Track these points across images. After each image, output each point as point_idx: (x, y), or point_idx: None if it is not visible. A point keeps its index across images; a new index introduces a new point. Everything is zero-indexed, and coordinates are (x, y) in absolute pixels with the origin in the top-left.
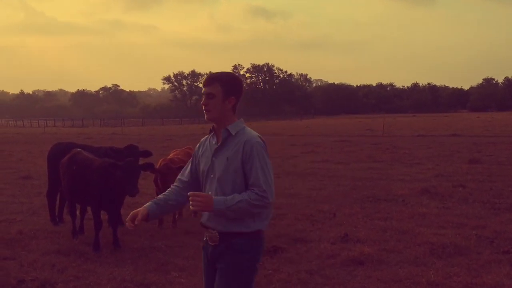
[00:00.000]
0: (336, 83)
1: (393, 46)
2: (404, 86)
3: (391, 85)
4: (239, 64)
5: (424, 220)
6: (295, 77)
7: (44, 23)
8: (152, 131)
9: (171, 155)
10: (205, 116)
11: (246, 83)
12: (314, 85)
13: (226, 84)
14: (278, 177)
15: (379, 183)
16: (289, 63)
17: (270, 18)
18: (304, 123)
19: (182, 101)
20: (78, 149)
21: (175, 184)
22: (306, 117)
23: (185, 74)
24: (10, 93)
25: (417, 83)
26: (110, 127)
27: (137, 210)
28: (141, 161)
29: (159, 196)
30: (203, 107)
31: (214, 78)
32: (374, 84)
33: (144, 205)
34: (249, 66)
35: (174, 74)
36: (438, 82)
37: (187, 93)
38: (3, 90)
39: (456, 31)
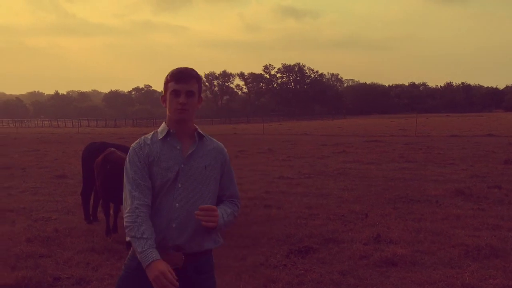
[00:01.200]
0: (367, 82)
1: (426, 45)
2: (437, 86)
3: (423, 84)
4: (270, 64)
5: (459, 222)
6: (326, 76)
7: (76, 25)
8: None
9: None
10: (178, 116)
11: (277, 83)
12: (346, 84)
13: (200, 82)
14: (309, 177)
15: (412, 184)
16: (320, 63)
17: (299, 17)
18: (335, 123)
19: (213, 101)
20: (112, 148)
21: (141, 210)
22: (338, 117)
23: (216, 74)
24: (45, 94)
25: (450, 82)
26: (142, 127)
27: (160, 267)
28: None
29: (146, 234)
30: (180, 106)
31: (192, 75)
32: (407, 84)
33: (152, 256)
34: (280, 66)
35: (205, 74)
36: (472, 81)
37: (218, 93)
38: (38, 91)
39: (491, 29)
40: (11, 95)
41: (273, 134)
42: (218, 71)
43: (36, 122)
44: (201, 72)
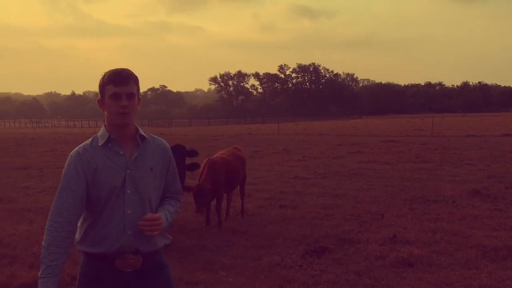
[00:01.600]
0: (383, 82)
1: (442, 45)
2: (453, 85)
3: (440, 84)
4: (285, 64)
5: (476, 222)
6: (342, 76)
7: (92, 26)
8: (199, 131)
9: (217, 155)
10: (120, 121)
11: (292, 83)
12: (361, 84)
13: (137, 83)
14: (325, 177)
15: (428, 184)
16: (335, 63)
17: (314, 17)
18: (351, 123)
19: (228, 102)
20: None
21: (59, 233)
22: (353, 117)
23: (231, 74)
24: (62, 94)
25: (467, 82)
26: (158, 127)
27: None
28: (188, 161)
29: (53, 257)
30: (122, 109)
31: (130, 76)
32: (423, 84)
33: (50, 283)
34: (295, 66)
35: (220, 74)
36: (489, 81)
37: (233, 93)
38: (55, 91)
39: (508, 29)
40: (28, 95)
41: (288, 134)
42: (232, 71)
43: (53, 123)
44: (216, 72)
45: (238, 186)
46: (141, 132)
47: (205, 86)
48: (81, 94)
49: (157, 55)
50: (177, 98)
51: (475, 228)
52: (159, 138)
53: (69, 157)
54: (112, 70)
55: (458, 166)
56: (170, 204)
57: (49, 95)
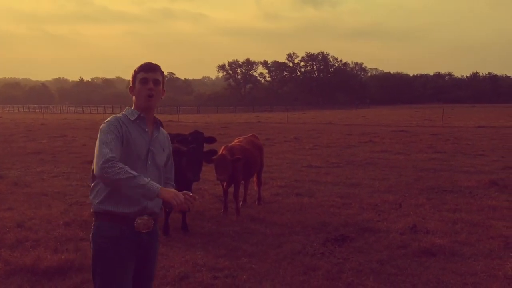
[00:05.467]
0: (392, 72)
1: (451, 34)
2: (463, 76)
3: (449, 74)
4: (293, 53)
5: (495, 213)
6: (350, 66)
7: (95, 12)
8: (208, 118)
9: (234, 142)
10: (146, 103)
11: (301, 71)
12: (369, 74)
13: (163, 76)
14: (338, 166)
15: (443, 174)
16: (341, 52)
17: (318, 5)
18: (359, 112)
19: (236, 89)
20: None
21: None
22: (362, 107)
23: (239, 62)
24: (70, 80)
25: (476, 72)
26: (166, 114)
27: (169, 189)
28: (206, 147)
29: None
30: (149, 91)
31: (157, 67)
32: (432, 74)
33: (156, 184)
34: (303, 54)
35: (228, 62)
36: (499, 71)
37: (241, 81)
38: (63, 77)
39: None
40: (37, 81)
41: (297, 123)
42: (237, 59)
43: (61, 108)
44: (223, 60)
45: (255, 174)
46: (158, 118)
47: (213, 73)
48: (90, 80)
49: (163, 42)
50: (185, 86)
51: (495, 219)
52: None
53: (107, 121)
54: (144, 62)
55: (472, 156)
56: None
57: (58, 81)
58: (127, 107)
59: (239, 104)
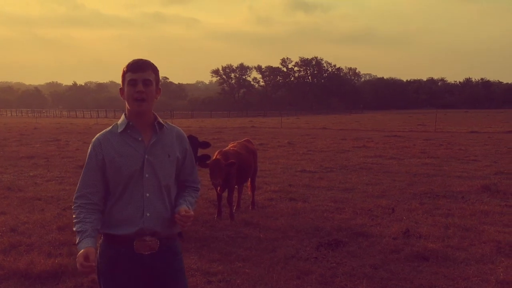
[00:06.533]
0: (385, 77)
1: (444, 40)
2: (456, 81)
3: (442, 80)
4: (287, 58)
5: (487, 218)
6: (344, 71)
7: (87, 16)
8: (201, 123)
9: (228, 147)
10: (137, 108)
11: (294, 76)
12: (363, 79)
13: (157, 73)
14: (332, 171)
15: (435, 179)
16: (334, 57)
17: (310, 10)
18: (353, 117)
19: (230, 94)
20: None
21: (86, 207)
22: (355, 112)
23: (233, 67)
24: (63, 85)
25: (469, 78)
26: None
27: (83, 251)
28: (200, 152)
29: (86, 226)
30: (137, 94)
31: (148, 65)
32: (425, 79)
33: (86, 243)
34: (297, 59)
35: (222, 67)
36: (492, 77)
37: (235, 86)
38: (57, 82)
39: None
40: (30, 85)
41: (291, 128)
42: (229, 64)
43: (54, 113)
44: (215, 64)
45: (249, 179)
46: (159, 120)
47: (207, 78)
48: (83, 84)
49: (156, 46)
50: (179, 90)
51: (487, 224)
52: (176, 127)
53: (91, 144)
54: (133, 60)
55: (464, 162)
56: (190, 195)
57: (51, 85)
58: (123, 113)
59: (233, 108)
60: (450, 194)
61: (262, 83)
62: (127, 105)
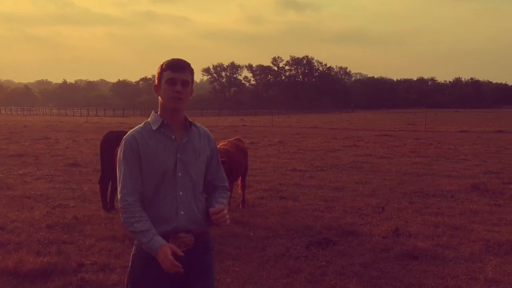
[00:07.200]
0: (375, 76)
1: (435, 40)
2: (446, 81)
3: (432, 79)
4: (278, 57)
5: (477, 217)
6: (335, 70)
7: (77, 14)
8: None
9: (219, 146)
10: (174, 105)
11: (285, 75)
12: (353, 78)
13: (193, 74)
14: (322, 170)
15: (425, 178)
16: (326, 56)
17: (300, 10)
18: (344, 116)
19: (221, 93)
20: None
21: (138, 204)
22: (346, 111)
23: (224, 66)
24: (53, 83)
25: (459, 78)
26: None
27: (167, 250)
28: None
29: (149, 225)
30: (176, 94)
31: (187, 66)
32: (415, 79)
33: (159, 241)
34: (288, 58)
35: (213, 65)
36: (481, 77)
37: (226, 85)
38: (46, 80)
39: (500, 25)
40: (19, 83)
41: (282, 127)
42: (220, 62)
43: (44, 111)
44: (206, 63)
45: (240, 177)
46: (189, 119)
47: (197, 77)
48: (73, 82)
49: (146, 45)
50: None
51: (476, 223)
52: (203, 126)
53: (123, 141)
54: (173, 59)
55: (454, 161)
56: (221, 196)
57: (41, 83)
58: (152, 112)
59: (223, 107)
60: (440, 193)
61: (253, 82)
62: (162, 101)
